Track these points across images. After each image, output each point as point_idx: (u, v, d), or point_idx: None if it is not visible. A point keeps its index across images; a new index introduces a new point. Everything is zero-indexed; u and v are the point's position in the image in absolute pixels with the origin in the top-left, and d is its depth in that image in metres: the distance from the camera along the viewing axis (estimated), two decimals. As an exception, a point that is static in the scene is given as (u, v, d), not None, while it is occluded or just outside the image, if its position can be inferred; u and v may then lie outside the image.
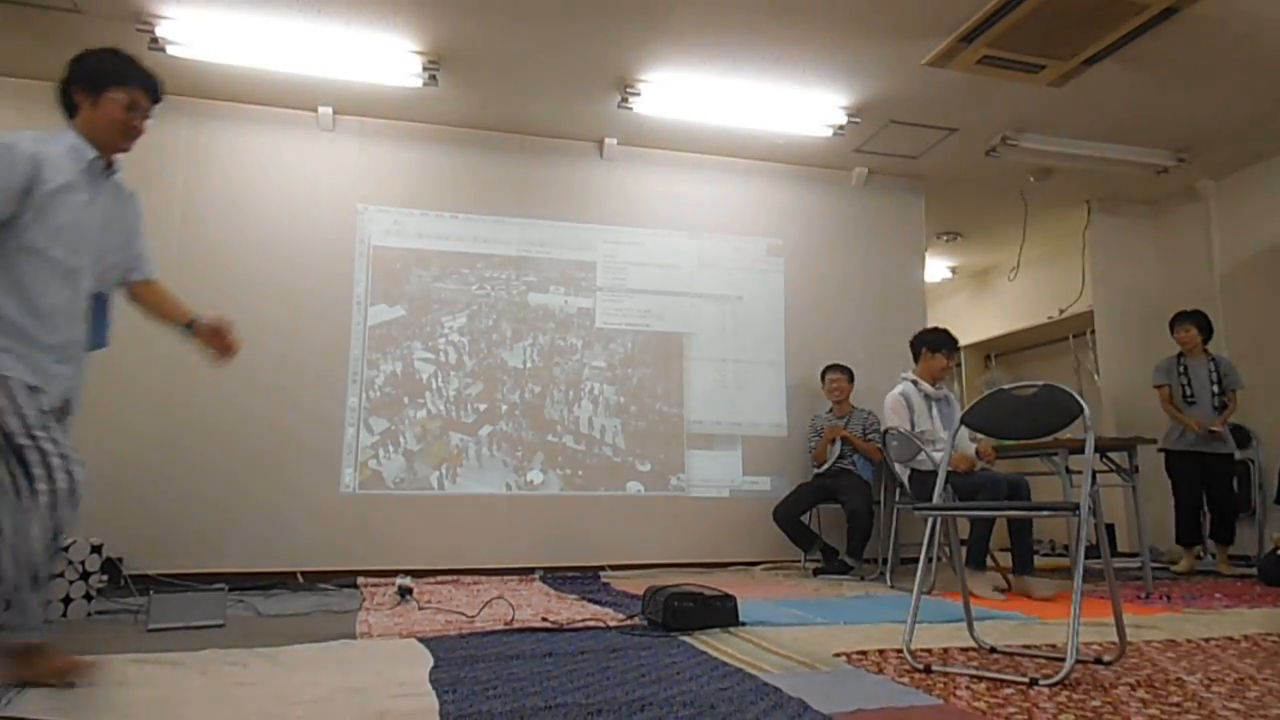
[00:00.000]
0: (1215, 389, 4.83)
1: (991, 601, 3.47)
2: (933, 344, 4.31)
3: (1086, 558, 5.80)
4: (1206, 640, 2.56)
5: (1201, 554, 4.91)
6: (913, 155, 5.35)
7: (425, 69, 4.21)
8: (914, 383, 4.27)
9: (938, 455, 3.96)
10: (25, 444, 1.95)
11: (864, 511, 4.55)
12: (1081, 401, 2.30)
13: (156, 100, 2.24)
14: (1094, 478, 2.75)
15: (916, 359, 4.36)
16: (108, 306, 2.28)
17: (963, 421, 2.57)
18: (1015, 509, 3.54)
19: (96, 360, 4.35)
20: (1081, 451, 4.23)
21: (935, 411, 4.21)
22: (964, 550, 3.94)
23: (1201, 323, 4.94)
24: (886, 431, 4.35)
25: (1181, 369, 4.96)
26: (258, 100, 4.64)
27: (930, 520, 2.60)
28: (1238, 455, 4.93)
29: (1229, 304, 5.57)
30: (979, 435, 4.15)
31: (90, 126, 2.13)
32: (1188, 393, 4.91)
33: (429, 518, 4.59)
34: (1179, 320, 5.02)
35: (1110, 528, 6.18)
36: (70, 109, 2.16)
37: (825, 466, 4.82)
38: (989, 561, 3.86)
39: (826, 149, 5.24)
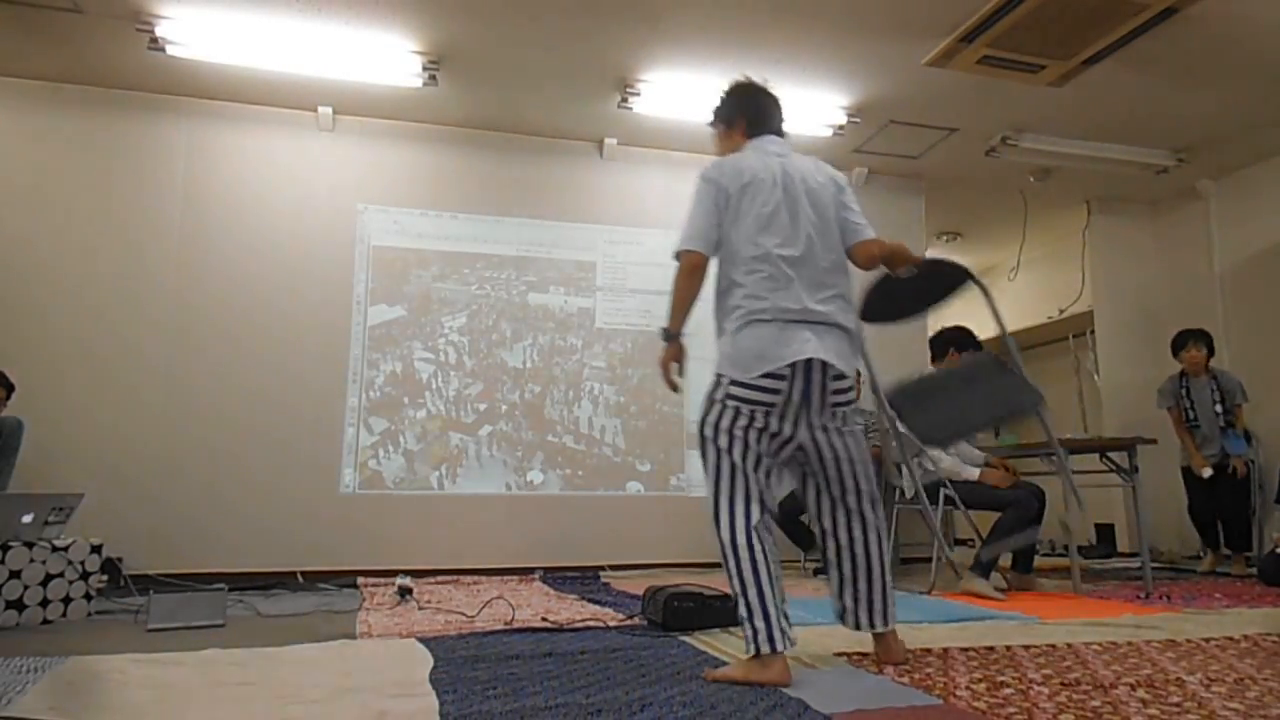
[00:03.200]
0: (1219, 408, 4.79)
1: (992, 602, 3.47)
2: (960, 342, 4.12)
3: (1086, 557, 5.83)
4: (1206, 640, 2.55)
5: (1226, 556, 4.90)
6: (913, 155, 5.35)
7: (425, 69, 4.21)
8: None
9: (968, 469, 3.90)
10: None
11: (864, 511, 4.53)
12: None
13: None
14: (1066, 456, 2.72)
15: (941, 357, 4.14)
16: None
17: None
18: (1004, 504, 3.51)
19: (96, 361, 4.38)
20: (1082, 451, 4.25)
21: None
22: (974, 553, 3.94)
23: (1209, 342, 4.91)
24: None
25: (1184, 390, 4.93)
26: (258, 100, 4.64)
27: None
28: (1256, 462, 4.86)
29: (1229, 304, 5.57)
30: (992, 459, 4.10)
31: None
32: (1190, 415, 4.88)
33: (429, 518, 4.59)
34: (1187, 340, 4.94)
35: (1110, 528, 6.19)
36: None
37: None
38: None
39: (826, 149, 5.23)
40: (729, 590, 2.10)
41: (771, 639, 1.96)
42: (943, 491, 3.89)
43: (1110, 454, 4.22)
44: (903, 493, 4.23)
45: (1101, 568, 5.12)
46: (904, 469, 4.18)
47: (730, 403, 2.11)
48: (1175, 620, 2.96)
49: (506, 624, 2.84)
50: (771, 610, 1.99)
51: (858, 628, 2.20)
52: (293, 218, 4.68)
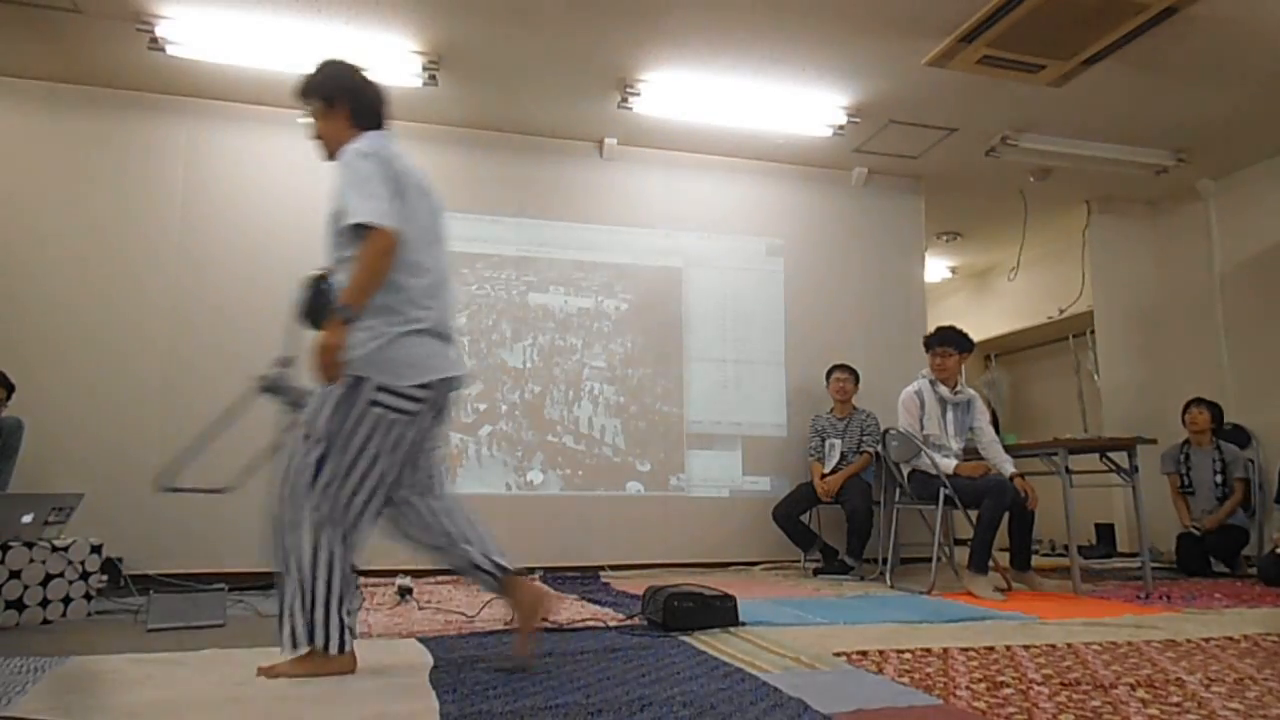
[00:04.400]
0: (1218, 479, 4.84)
1: (992, 602, 3.47)
2: (927, 342, 4.31)
3: (1086, 557, 5.83)
4: (1206, 640, 2.56)
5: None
6: (913, 155, 5.35)
7: (425, 69, 4.21)
8: (931, 383, 4.21)
9: (943, 462, 3.96)
10: None
11: (864, 511, 4.55)
12: None
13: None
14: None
15: (929, 351, 4.31)
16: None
17: None
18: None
19: (96, 361, 4.37)
20: (1082, 451, 4.26)
21: (949, 415, 4.15)
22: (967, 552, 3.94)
23: (1215, 410, 4.96)
24: (887, 431, 4.35)
25: (1184, 457, 4.99)
26: (258, 100, 4.64)
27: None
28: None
29: (1229, 304, 5.57)
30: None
31: None
32: (1185, 482, 4.96)
33: (429, 518, 4.58)
34: (1193, 402, 5.02)
35: (1110, 528, 6.19)
36: None
37: (828, 471, 4.81)
38: (989, 562, 3.86)
39: (826, 149, 5.24)
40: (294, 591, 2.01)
41: (349, 638, 2.05)
42: (942, 491, 3.90)
43: (1110, 454, 4.22)
44: (903, 490, 4.24)
45: (1101, 568, 5.12)
46: (899, 467, 4.20)
47: (375, 409, 1.99)
48: (1175, 620, 2.96)
49: (506, 624, 2.83)
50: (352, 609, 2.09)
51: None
52: (293, 217, 4.67)
